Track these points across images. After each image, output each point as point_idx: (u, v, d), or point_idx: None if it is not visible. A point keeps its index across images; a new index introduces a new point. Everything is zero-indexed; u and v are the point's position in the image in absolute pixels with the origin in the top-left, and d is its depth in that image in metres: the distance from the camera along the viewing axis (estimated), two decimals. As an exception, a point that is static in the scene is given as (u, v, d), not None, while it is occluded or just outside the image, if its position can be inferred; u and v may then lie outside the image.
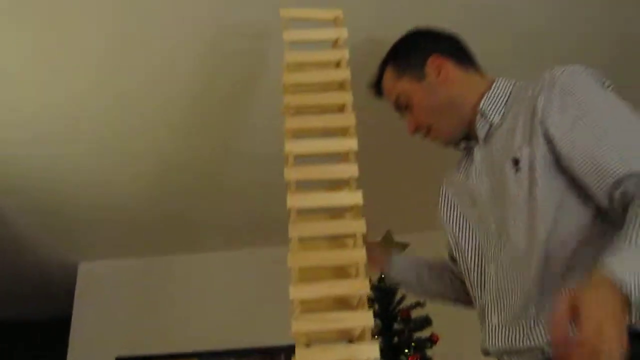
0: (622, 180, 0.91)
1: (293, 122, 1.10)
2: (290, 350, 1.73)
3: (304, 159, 1.07)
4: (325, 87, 1.16)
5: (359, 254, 1.01)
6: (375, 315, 2.20)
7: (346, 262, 1.02)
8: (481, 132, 1.14)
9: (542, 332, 0.98)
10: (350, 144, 1.08)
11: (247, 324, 2.93)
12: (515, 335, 1.02)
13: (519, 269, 1.03)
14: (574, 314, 0.77)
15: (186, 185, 2.55)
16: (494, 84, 1.15)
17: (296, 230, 1.02)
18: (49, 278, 3.41)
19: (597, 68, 1.07)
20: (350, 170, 1.06)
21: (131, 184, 2.54)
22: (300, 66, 1.17)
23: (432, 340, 2.22)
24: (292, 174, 1.05)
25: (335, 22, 1.22)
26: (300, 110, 1.14)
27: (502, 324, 1.05)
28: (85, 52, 1.80)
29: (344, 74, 1.14)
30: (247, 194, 2.63)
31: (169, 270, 3.13)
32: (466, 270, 1.18)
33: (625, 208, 0.90)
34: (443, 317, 2.06)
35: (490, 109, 1.13)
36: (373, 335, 2.14)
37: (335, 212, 1.10)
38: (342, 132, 1.11)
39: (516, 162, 1.04)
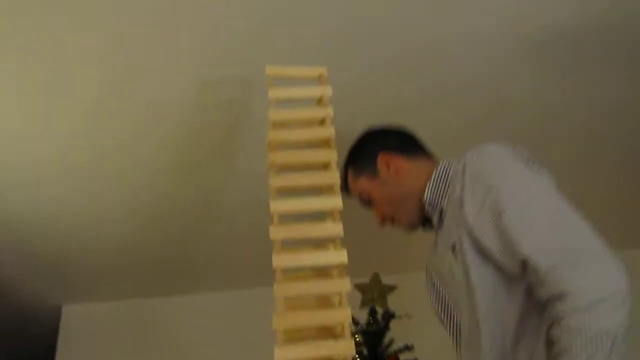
0: (527, 260, 0.96)
1: (278, 180, 1.11)
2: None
3: (289, 217, 1.09)
4: (310, 144, 1.18)
5: (345, 314, 1.02)
6: (364, 359, 2.19)
7: (332, 322, 1.03)
8: (434, 219, 1.22)
9: None
10: (336, 202, 1.09)
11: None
12: None
13: (474, 347, 1.07)
14: None
15: (175, 228, 2.54)
16: (434, 171, 1.22)
17: (282, 290, 1.02)
18: (32, 319, 3.35)
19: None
20: (336, 229, 1.07)
21: (119, 226, 2.52)
22: (284, 124, 1.18)
23: (421, 384, 2.21)
24: (278, 233, 1.06)
25: (319, 80, 1.23)
26: (284, 168, 1.15)
27: None
28: (75, 100, 1.82)
29: (328, 131, 1.16)
30: (238, 236, 2.62)
31: (157, 313, 3.08)
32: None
33: (545, 297, 0.95)
34: (432, 360, 2.06)
35: (434, 197, 1.20)
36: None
37: (321, 269, 1.11)
38: (328, 189, 1.12)
39: (453, 247, 1.10)
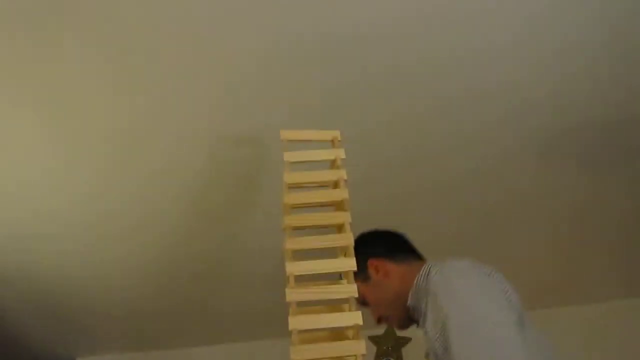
0: None
1: (293, 243, 1.14)
2: None
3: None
4: (324, 205, 1.21)
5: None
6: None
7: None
8: (419, 320, 1.33)
9: None
10: (350, 263, 1.11)
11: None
12: None
13: None
14: None
15: (190, 279, 2.56)
16: (417, 276, 1.32)
17: (298, 353, 1.03)
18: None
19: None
20: (350, 290, 1.09)
21: (134, 278, 2.54)
22: (299, 186, 1.22)
23: None
24: (294, 295, 1.08)
25: (332, 143, 1.27)
26: (299, 229, 1.18)
27: None
28: (88, 154, 1.86)
29: (342, 194, 1.19)
30: (254, 286, 2.62)
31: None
32: None
33: None
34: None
35: (416, 302, 1.31)
36: None
37: (336, 329, 1.12)
38: (342, 251, 1.15)
39: (435, 353, 1.20)
